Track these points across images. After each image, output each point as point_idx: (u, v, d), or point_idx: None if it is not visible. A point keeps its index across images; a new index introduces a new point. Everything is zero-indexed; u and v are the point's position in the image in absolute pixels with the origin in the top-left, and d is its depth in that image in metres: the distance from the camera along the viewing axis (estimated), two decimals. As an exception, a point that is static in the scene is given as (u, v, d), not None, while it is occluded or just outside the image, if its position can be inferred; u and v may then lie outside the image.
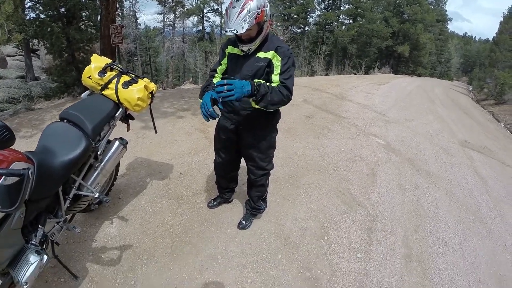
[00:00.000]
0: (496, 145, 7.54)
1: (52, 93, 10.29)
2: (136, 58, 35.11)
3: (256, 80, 2.32)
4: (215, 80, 2.67)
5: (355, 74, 22.09)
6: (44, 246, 2.14)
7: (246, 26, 2.20)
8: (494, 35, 28.80)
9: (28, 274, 1.87)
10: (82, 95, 2.94)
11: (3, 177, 1.62)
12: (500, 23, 27.63)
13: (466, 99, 15.92)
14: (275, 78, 2.39)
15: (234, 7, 2.24)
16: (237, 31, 2.21)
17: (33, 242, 2.01)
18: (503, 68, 20.97)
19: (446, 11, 43.95)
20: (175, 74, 37.05)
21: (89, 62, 2.92)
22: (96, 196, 2.52)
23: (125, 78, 2.87)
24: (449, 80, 38.07)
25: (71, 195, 2.47)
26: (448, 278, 2.93)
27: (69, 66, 9.70)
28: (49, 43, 9.26)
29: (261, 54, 2.44)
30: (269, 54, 2.41)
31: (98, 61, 2.89)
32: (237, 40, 2.42)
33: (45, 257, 1.97)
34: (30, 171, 1.57)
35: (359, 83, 13.15)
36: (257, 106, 2.33)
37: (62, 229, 2.41)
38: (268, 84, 2.33)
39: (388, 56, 37.58)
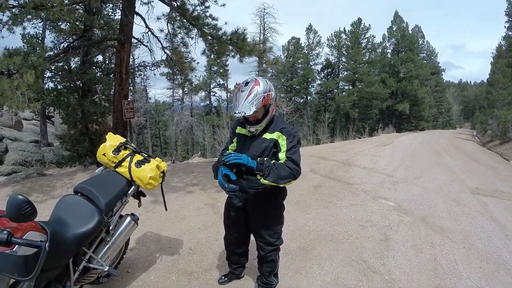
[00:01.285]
0: (508, 186, 7.46)
1: (64, 161, 10.65)
2: (146, 131, 36.39)
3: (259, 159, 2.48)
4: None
5: (359, 138, 22.44)
6: None
7: (253, 109, 2.43)
8: (488, 76, 29.45)
9: None
10: (96, 171, 3.11)
11: (17, 245, 1.70)
12: (491, 63, 28.45)
13: (472, 144, 15.94)
14: (282, 155, 2.55)
15: (242, 91, 2.49)
16: (245, 113, 2.44)
17: None
18: (502, 106, 21.25)
19: (438, 63, 46.12)
20: (183, 147, 38.05)
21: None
22: (106, 269, 2.59)
23: (138, 157, 3.06)
24: (452, 129, 38.39)
25: (81, 267, 2.52)
26: (478, 335, 2.84)
27: (82, 136, 10.10)
28: (65, 113, 9.73)
29: (267, 136, 2.63)
30: (275, 135, 2.61)
31: (112, 140, 3.10)
32: (245, 121, 2.64)
33: None
34: (47, 244, 1.64)
35: (364, 147, 13.35)
36: (266, 182, 2.43)
37: None
38: (273, 161, 2.49)
39: (390, 116, 38.42)
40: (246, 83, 2.54)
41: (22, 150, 13.93)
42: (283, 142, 2.58)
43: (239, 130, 2.82)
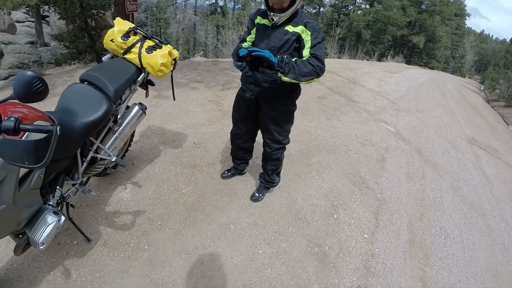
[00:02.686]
0: (503, 147, 7.54)
1: (63, 59, 10.03)
2: (146, 29, 34.61)
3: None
4: (244, 45, 2.68)
5: (368, 60, 21.88)
6: (59, 208, 2.15)
7: None
8: (512, 36, 28.20)
9: (45, 234, 1.88)
10: (103, 58, 2.93)
11: (26, 133, 1.61)
12: (519, 24, 26.98)
13: (477, 97, 15.78)
14: (306, 52, 2.39)
15: None
16: None
17: (50, 203, 2.02)
18: (518, 71, 20.64)
19: (465, 6, 42.92)
20: (185, 46, 36.74)
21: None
22: (113, 159, 2.54)
23: (149, 43, 2.85)
24: (461, 77, 37.71)
25: (88, 158, 2.48)
26: (448, 267, 3.03)
27: (81, 32, 9.37)
28: (63, 8, 9.03)
29: (289, 28, 2.43)
30: (298, 29, 2.41)
31: (121, 25, 2.87)
32: (268, 9, 2.42)
33: (63, 218, 1.98)
34: (58, 128, 1.52)
35: (372, 70, 13.04)
36: (287, 79, 2.29)
37: (78, 192, 2.44)
38: (295, 58, 2.33)
39: (402, 46, 37.09)
40: None
41: (18, 53, 12.93)
42: (307, 38, 2.39)
43: (259, 20, 2.60)
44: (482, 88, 23.13)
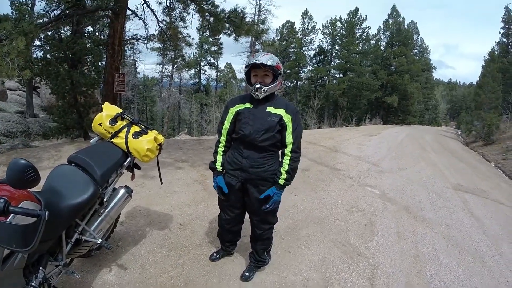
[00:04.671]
0: (488, 185, 7.70)
1: (51, 132, 10.19)
2: (133, 106, 35.92)
3: (282, 179, 2.75)
4: (220, 147, 2.97)
5: (347, 126, 22.63)
6: None
7: (270, 63, 2.55)
8: (478, 78, 29.72)
9: None
10: (91, 141, 3.04)
11: (12, 215, 1.59)
12: (482, 66, 28.56)
13: (456, 143, 16.25)
14: (289, 137, 2.71)
15: (260, 51, 2.65)
16: (262, 62, 2.54)
17: (32, 284, 1.96)
18: (489, 109, 21.65)
19: (430, 60, 46.27)
20: (170, 124, 37.76)
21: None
22: (98, 242, 2.53)
23: (135, 128, 2.98)
24: (438, 126, 38.88)
25: (73, 239, 2.46)
26: (453, 320, 2.99)
27: (70, 108, 9.73)
28: (54, 83, 9.37)
29: (272, 109, 2.71)
30: (281, 112, 2.69)
31: (109, 110, 3.00)
32: (250, 84, 2.71)
33: None
34: (47, 213, 1.55)
35: (352, 135, 13.50)
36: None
37: (61, 273, 2.39)
38: (285, 167, 2.73)
39: (378, 107, 38.68)
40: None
41: (6, 121, 13.41)
42: (289, 122, 2.69)
43: (240, 106, 2.81)
44: (459, 132, 23.88)
